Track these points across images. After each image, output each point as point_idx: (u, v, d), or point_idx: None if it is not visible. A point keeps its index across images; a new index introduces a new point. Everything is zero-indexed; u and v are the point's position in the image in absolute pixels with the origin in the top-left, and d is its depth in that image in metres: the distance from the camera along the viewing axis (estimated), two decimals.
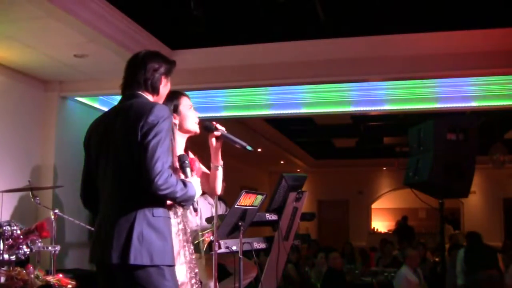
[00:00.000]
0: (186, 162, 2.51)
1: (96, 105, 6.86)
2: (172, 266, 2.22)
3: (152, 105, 2.23)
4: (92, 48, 5.17)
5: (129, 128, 2.18)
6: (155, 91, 2.37)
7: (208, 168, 2.83)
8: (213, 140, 2.73)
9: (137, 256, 2.10)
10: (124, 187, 2.19)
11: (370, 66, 5.71)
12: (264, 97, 6.96)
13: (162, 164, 2.10)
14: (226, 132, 2.73)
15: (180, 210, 2.59)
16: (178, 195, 2.17)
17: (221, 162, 2.78)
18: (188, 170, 2.50)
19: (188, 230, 2.69)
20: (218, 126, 2.73)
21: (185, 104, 2.74)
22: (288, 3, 4.85)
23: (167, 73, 2.41)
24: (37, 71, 5.93)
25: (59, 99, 6.33)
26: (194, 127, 2.73)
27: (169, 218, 2.29)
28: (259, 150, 11.47)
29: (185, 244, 2.61)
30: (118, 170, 2.21)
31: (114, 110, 2.37)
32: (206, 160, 2.85)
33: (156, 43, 5.63)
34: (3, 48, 5.15)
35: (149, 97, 2.35)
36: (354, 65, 5.73)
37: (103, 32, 4.86)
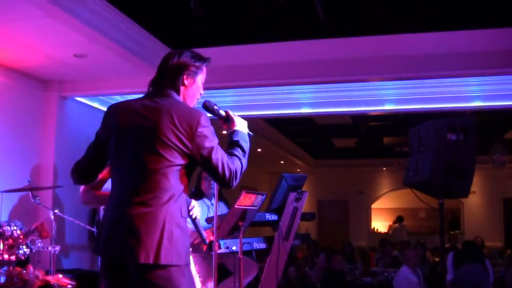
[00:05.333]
0: (215, 107, 2.49)
1: (96, 105, 6.86)
2: (189, 264, 2.24)
3: (199, 114, 2.22)
4: (92, 48, 5.17)
5: (173, 133, 2.15)
6: (176, 89, 2.32)
7: None
8: None
9: (167, 256, 2.08)
10: (156, 189, 2.14)
11: (370, 66, 5.71)
12: (264, 97, 6.97)
13: (225, 165, 2.22)
14: None
15: None
16: (244, 165, 2.32)
17: None
18: (221, 111, 2.49)
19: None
20: None
21: None
22: (288, 3, 4.84)
23: (191, 72, 2.35)
24: (37, 71, 5.93)
25: (58, 99, 6.33)
26: None
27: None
28: (259, 150, 11.46)
29: None
30: (152, 170, 2.15)
31: (146, 104, 2.27)
32: None
33: (156, 43, 5.63)
34: (3, 48, 5.15)
35: (177, 96, 2.32)
36: (354, 65, 5.72)
37: (103, 32, 4.86)
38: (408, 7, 5.08)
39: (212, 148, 2.20)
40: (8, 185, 5.05)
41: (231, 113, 2.51)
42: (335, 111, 7.10)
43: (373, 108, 6.95)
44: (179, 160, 2.18)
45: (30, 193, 4.74)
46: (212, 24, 5.30)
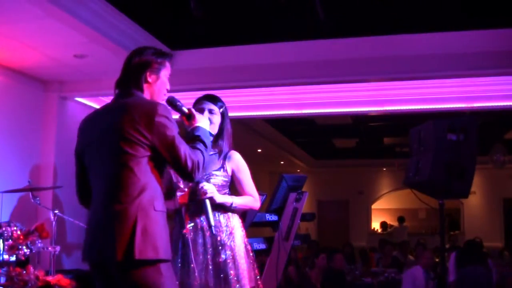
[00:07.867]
0: (178, 103, 2.49)
1: (96, 105, 6.85)
2: (169, 260, 2.22)
3: (156, 104, 2.24)
4: (92, 48, 5.17)
5: (132, 127, 2.17)
6: (140, 88, 2.33)
7: None
8: None
9: (142, 251, 2.08)
10: (123, 184, 2.16)
11: (370, 66, 5.70)
12: (264, 97, 6.96)
13: (187, 156, 2.21)
14: None
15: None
16: (206, 159, 2.31)
17: None
18: (184, 108, 2.49)
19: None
20: None
21: None
22: (288, 3, 4.85)
23: (154, 69, 2.35)
24: (37, 71, 5.93)
25: (58, 99, 6.33)
26: None
27: (166, 212, 2.28)
28: (259, 150, 11.46)
29: None
30: (117, 166, 2.18)
31: (108, 108, 2.36)
32: None
33: (156, 43, 5.62)
34: (3, 48, 5.15)
35: (141, 94, 2.33)
36: (354, 65, 5.72)
37: (103, 32, 4.86)
38: (407, 7, 5.08)
39: (173, 137, 2.20)
40: (8, 185, 5.05)
41: (194, 110, 2.52)
42: (335, 111, 7.10)
43: (373, 108, 6.95)
44: (142, 153, 2.18)
45: (30, 193, 4.74)
46: (212, 24, 5.30)
